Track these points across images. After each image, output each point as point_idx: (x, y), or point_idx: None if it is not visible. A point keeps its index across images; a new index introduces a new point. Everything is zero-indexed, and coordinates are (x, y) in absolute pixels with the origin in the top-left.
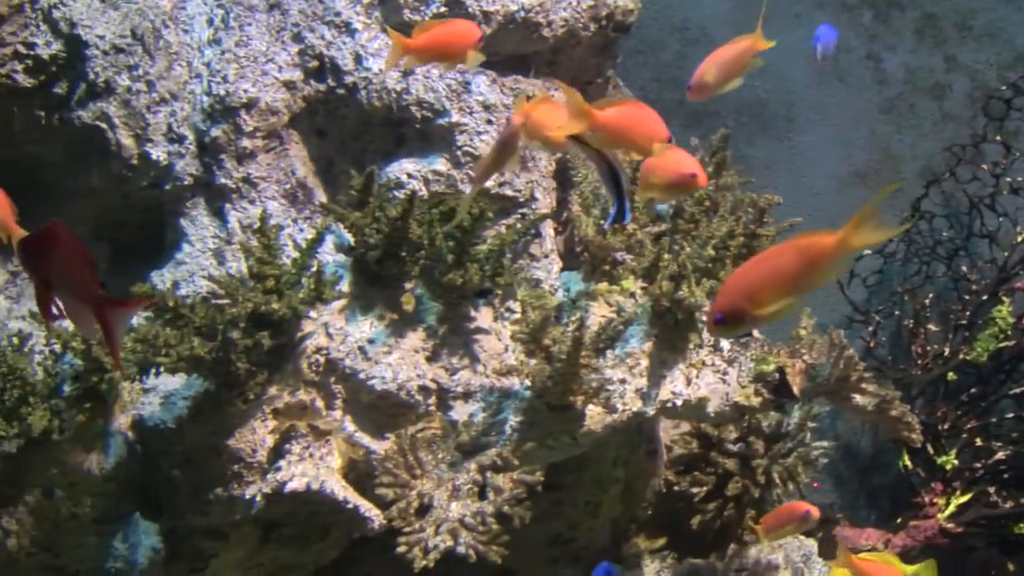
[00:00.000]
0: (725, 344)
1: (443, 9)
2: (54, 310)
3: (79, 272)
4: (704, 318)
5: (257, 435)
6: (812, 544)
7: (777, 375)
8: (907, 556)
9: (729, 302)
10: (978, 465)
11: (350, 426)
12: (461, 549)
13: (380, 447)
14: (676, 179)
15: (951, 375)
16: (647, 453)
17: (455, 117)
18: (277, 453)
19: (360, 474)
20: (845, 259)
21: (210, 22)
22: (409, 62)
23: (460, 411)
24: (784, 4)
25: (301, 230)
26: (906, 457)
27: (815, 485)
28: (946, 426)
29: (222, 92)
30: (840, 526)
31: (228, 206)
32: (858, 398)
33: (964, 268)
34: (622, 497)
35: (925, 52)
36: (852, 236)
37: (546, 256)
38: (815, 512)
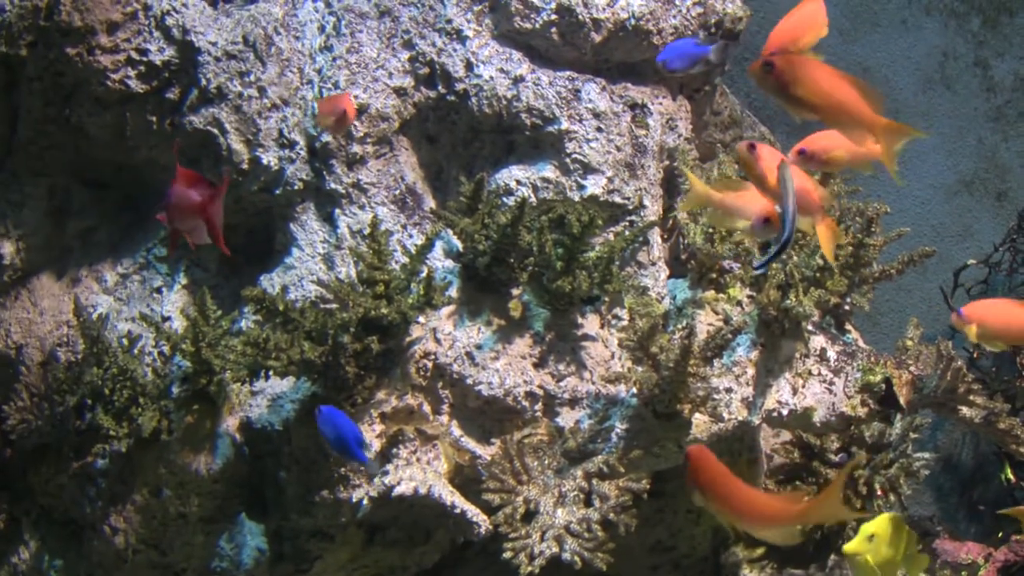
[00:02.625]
0: (832, 354)
1: (554, 17)
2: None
3: (191, 202)
4: None
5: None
6: None
7: (884, 386)
8: (1009, 571)
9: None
10: None
11: (457, 431)
12: (567, 555)
13: (486, 452)
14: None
15: None
16: (748, 462)
17: (565, 124)
18: (384, 457)
19: (466, 478)
20: (796, 530)
21: (322, 29)
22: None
23: (567, 417)
24: (892, 10)
25: (410, 236)
26: (1009, 470)
27: None
28: None
29: None
30: (940, 539)
31: (338, 211)
32: (965, 410)
33: None
34: None
35: None
36: (812, 513)
37: (654, 264)
38: None
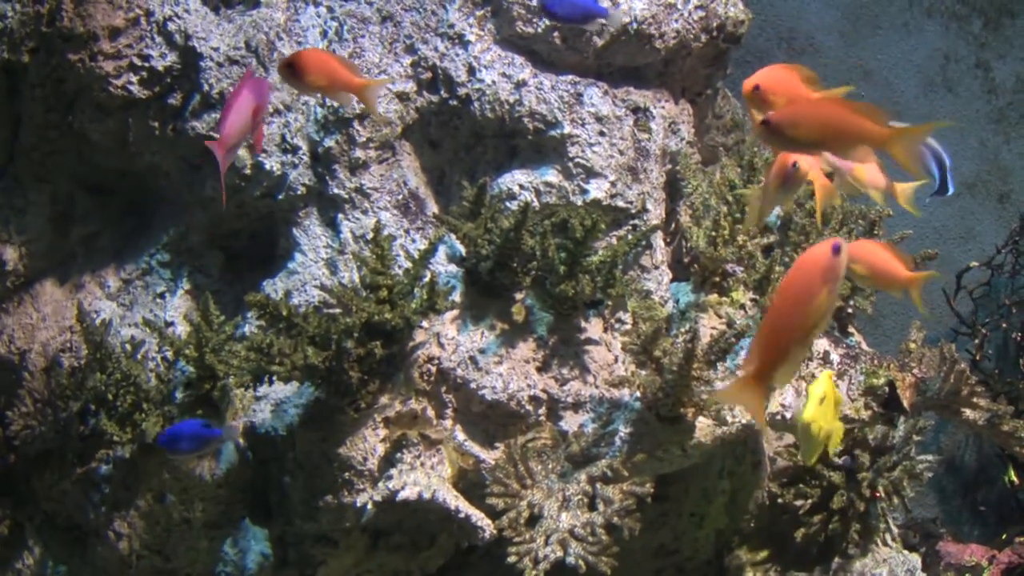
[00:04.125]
0: (835, 357)
1: None
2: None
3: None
4: None
5: (368, 443)
6: (916, 559)
7: (887, 389)
8: (1013, 573)
9: None
10: None
11: (460, 435)
12: (571, 559)
13: (490, 456)
14: None
15: None
16: (752, 465)
17: (567, 129)
18: (388, 462)
19: (470, 483)
20: None
21: (324, 34)
22: None
23: (570, 421)
24: (893, 13)
25: (413, 240)
26: (1012, 472)
27: None
28: None
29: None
30: (943, 541)
31: (341, 216)
32: (969, 412)
33: None
34: (727, 509)
35: None
36: None
37: (657, 267)
38: None
